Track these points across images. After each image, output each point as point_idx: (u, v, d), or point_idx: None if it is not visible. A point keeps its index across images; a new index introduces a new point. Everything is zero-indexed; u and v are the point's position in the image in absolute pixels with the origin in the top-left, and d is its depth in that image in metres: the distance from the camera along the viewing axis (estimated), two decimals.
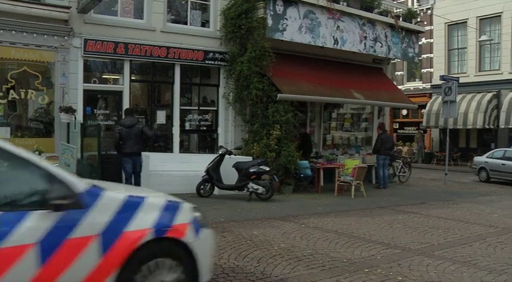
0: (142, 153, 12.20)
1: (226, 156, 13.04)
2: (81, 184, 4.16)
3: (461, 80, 23.09)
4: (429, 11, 32.13)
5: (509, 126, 26.59)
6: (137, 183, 11.65)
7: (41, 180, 3.99)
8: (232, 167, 12.84)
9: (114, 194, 4.48)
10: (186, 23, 14.98)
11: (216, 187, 12.93)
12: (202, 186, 12.80)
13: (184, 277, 4.59)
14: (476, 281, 6.29)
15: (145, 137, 12.01)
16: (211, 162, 12.85)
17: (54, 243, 3.87)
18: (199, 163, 13.22)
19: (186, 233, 4.62)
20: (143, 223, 4.34)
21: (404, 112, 34.14)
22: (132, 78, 14.05)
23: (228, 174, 12.88)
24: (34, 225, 3.82)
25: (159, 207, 4.63)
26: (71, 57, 12.70)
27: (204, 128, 15.41)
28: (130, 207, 4.36)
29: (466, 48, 30.39)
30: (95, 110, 13.57)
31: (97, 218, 4.10)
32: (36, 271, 3.79)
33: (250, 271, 6.23)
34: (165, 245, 4.52)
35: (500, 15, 28.53)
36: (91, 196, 4.14)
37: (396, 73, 33.81)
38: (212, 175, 12.78)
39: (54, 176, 4.02)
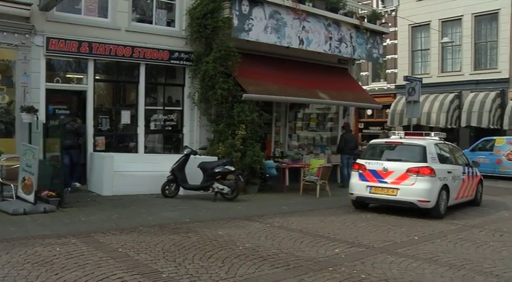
0: (106, 153, 12.61)
1: (192, 156, 12.99)
2: None
3: (424, 81, 23.54)
4: (393, 13, 32.59)
5: (470, 126, 27.23)
6: (75, 173, 12.78)
7: None
8: (198, 167, 12.80)
9: None
10: (151, 23, 14.85)
11: (181, 187, 12.86)
12: (167, 187, 12.72)
13: None
14: (437, 276, 6.44)
15: (75, 132, 12.62)
16: (176, 163, 12.79)
17: None
18: (164, 163, 13.13)
19: None
20: None
21: (369, 112, 34.53)
22: (97, 77, 13.86)
23: (193, 174, 12.84)
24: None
25: None
26: (32, 56, 12.45)
27: (169, 128, 15.32)
28: None
29: (429, 49, 30.95)
30: (57, 110, 13.36)
31: None
32: None
33: (215, 271, 6.23)
34: None
35: (461, 19, 29.17)
36: None
37: (361, 73, 34.23)
38: (177, 175, 12.71)
39: None
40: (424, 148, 11.37)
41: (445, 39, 28.02)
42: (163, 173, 12.79)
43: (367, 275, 6.35)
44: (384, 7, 33.45)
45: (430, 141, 11.94)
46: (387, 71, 33.41)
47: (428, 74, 30.26)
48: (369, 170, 11.56)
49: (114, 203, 11.38)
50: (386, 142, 12.57)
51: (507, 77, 27.45)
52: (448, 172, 11.61)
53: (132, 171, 13.08)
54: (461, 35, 29.18)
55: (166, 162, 13.09)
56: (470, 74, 28.71)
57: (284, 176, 15.26)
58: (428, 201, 10.86)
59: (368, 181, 11.50)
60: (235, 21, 14.01)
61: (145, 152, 14.54)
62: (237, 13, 14.02)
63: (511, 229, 10.12)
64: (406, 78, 20.60)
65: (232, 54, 14.22)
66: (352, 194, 11.97)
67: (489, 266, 7.09)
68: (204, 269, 6.31)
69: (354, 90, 18.92)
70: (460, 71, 29.39)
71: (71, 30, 12.96)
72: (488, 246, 8.44)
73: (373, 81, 34.69)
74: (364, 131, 35.41)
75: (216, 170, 12.57)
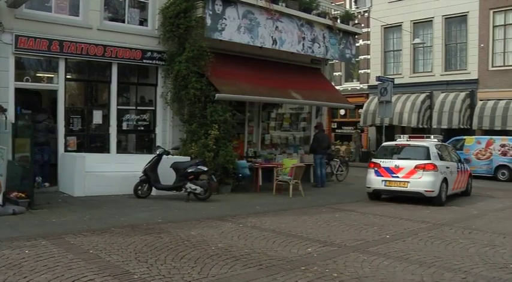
0: (78, 153, 12.65)
1: (164, 156, 12.92)
2: None
3: (396, 81, 23.83)
4: (366, 14, 32.91)
5: (441, 126, 27.65)
6: (45, 170, 13.01)
7: None
8: (170, 167, 12.74)
9: None
10: (123, 21, 14.70)
11: (153, 188, 12.80)
12: (139, 187, 12.63)
13: None
14: (408, 274, 6.52)
15: (50, 130, 13.17)
16: (148, 163, 12.71)
17: None
18: (136, 163, 13.03)
19: None
20: None
21: (342, 112, 34.81)
22: (68, 77, 13.67)
23: (166, 174, 12.78)
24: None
25: None
26: (0, 54, 12.21)
27: (142, 128, 15.21)
28: None
29: (401, 50, 31.35)
30: (26, 110, 13.18)
31: None
32: None
33: (187, 272, 6.21)
34: None
35: (432, 20, 29.62)
36: None
37: (334, 74, 34.47)
38: (150, 176, 12.64)
39: None
40: (427, 148, 13.88)
41: (417, 41, 28.41)
42: (135, 173, 12.71)
43: (339, 274, 6.40)
44: (357, 8, 33.77)
45: (432, 143, 14.50)
46: (360, 71, 33.73)
47: (400, 74, 30.65)
48: (383, 167, 13.91)
49: (86, 204, 11.26)
50: (396, 144, 14.98)
51: (476, 78, 27.97)
52: (447, 167, 14.12)
53: (104, 172, 12.94)
54: (432, 37, 29.66)
55: (139, 162, 13.00)
56: (441, 75, 29.20)
57: (257, 176, 15.29)
58: (433, 191, 13.33)
59: (383, 176, 13.85)
60: (208, 21, 13.97)
61: (117, 152, 14.39)
62: (210, 13, 13.99)
63: (480, 227, 10.32)
64: (378, 78, 20.83)
65: (205, 54, 14.20)
66: (369, 187, 14.24)
67: (458, 262, 7.22)
68: (177, 270, 6.28)
69: (327, 90, 19.05)
70: (431, 71, 29.86)
71: (41, 28, 12.74)
72: (458, 243, 8.58)
73: (346, 81, 34.97)
74: (337, 130, 35.68)
75: (189, 170, 12.53)
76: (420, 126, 28.59)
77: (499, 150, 22.58)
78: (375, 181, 13.98)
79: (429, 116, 28.87)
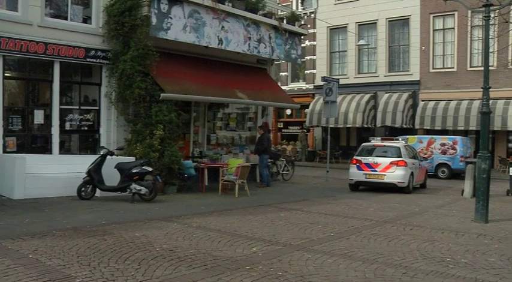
0: (18, 154, 12.23)
1: (108, 156, 12.70)
2: None
3: (341, 82, 24.25)
4: (312, 15, 33.35)
5: (385, 125, 28.31)
6: None
7: None
8: (115, 168, 12.53)
9: None
10: (66, 19, 14.34)
11: (97, 189, 12.56)
12: (83, 189, 12.38)
13: None
14: (351, 271, 6.64)
15: None
16: (92, 164, 12.46)
17: None
18: (80, 164, 12.76)
19: None
20: None
21: (288, 112, 35.13)
22: (7, 75, 13.22)
23: (111, 175, 12.57)
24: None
25: None
26: None
27: (86, 128, 14.89)
28: None
29: (346, 51, 31.95)
30: None
31: None
32: None
33: (131, 274, 6.12)
34: None
35: (376, 23, 30.32)
36: None
37: (281, 74, 34.74)
38: (94, 176, 12.40)
39: None
40: (399, 148, 16.86)
41: (361, 42, 29.01)
42: (79, 175, 12.45)
43: (284, 272, 6.44)
44: (304, 9, 34.18)
45: (402, 144, 17.54)
46: (306, 71, 34.13)
47: (345, 75, 31.23)
48: (364, 163, 16.75)
49: (27, 207, 10.94)
50: (374, 144, 17.64)
51: (418, 79, 28.83)
52: (413, 164, 17.01)
53: (46, 173, 12.64)
54: (377, 39, 30.37)
55: (83, 163, 12.72)
56: (385, 76, 29.95)
57: (203, 176, 15.23)
58: (404, 182, 16.28)
59: (364, 170, 16.73)
60: (154, 20, 13.82)
61: (60, 153, 14.04)
62: (156, 11, 13.84)
63: (420, 223, 10.64)
64: (323, 78, 21.12)
65: (150, 53, 14.07)
66: (352, 180, 17.09)
67: (399, 258, 7.42)
68: (120, 272, 6.18)
69: (273, 90, 19.17)
70: (375, 72, 30.57)
71: None
72: (399, 239, 8.81)
73: (292, 81, 35.33)
74: (283, 130, 36.00)
75: (134, 171, 12.37)
76: (365, 125, 29.21)
77: (439, 149, 23.38)
78: (357, 174, 16.82)
79: (373, 115, 29.55)
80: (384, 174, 16.31)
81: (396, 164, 16.25)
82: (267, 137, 17.56)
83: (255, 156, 17.84)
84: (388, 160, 16.45)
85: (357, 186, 17.20)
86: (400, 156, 16.48)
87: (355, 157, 17.28)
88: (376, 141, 18.03)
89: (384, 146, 17.38)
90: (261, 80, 18.82)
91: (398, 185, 16.26)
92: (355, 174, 16.90)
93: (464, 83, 26.94)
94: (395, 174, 16.21)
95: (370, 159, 16.73)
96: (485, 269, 6.93)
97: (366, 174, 16.67)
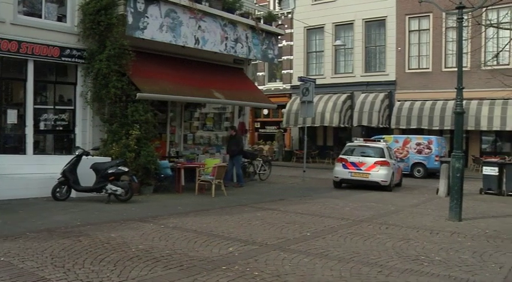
0: None
1: (84, 157, 12.58)
2: None
3: (318, 82, 24.38)
4: (290, 15, 33.44)
5: (362, 125, 28.53)
6: None
7: None
8: (90, 168, 12.41)
9: None
10: (40, 17, 14.13)
11: (73, 190, 12.44)
12: (58, 189, 12.24)
13: None
14: (327, 270, 6.70)
15: None
16: (67, 164, 12.32)
17: None
18: (55, 165, 12.60)
19: None
20: None
21: (265, 112, 35.18)
22: None
23: (86, 176, 12.43)
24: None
25: None
26: None
27: (61, 128, 14.68)
28: None
29: (323, 51, 32.12)
30: None
31: None
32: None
33: (106, 275, 6.07)
34: None
35: (352, 23, 30.54)
36: None
37: (258, 74, 34.78)
38: (69, 177, 12.26)
39: None
40: (383, 149, 17.81)
41: (338, 42, 29.18)
42: (53, 175, 12.32)
43: (260, 272, 6.46)
44: (281, 9, 34.27)
45: (384, 144, 18.53)
46: (283, 71, 34.23)
47: (322, 75, 31.39)
48: (349, 162, 17.50)
49: (0, 209, 10.76)
50: (358, 145, 18.40)
51: (394, 79, 29.11)
52: (393, 164, 17.87)
53: (20, 174, 12.46)
54: (353, 39, 30.60)
55: (57, 163, 12.56)
56: (362, 76, 30.18)
57: (179, 176, 15.16)
58: (386, 181, 17.11)
59: (349, 169, 17.45)
60: (130, 19, 13.73)
61: (34, 153, 13.83)
62: (132, 10, 13.75)
63: (396, 222, 10.76)
64: (300, 78, 21.19)
65: (126, 53, 13.95)
66: (337, 177, 17.83)
67: (375, 257, 7.50)
68: (95, 274, 6.13)
69: (250, 90, 19.19)
70: (352, 72, 30.80)
71: None
72: (375, 238, 8.91)
73: (269, 81, 35.40)
74: (260, 130, 36.04)
75: (109, 171, 12.27)
76: (342, 125, 29.40)
77: (414, 149, 23.65)
78: (343, 172, 17.56)
79: (350, 115, 29.76)
80: (369, 173, 17.04)
81: (380, 163, 17.08)
82: (241, 137, 17.64)
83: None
84: (372, 160, 17.23)
85: (340, 184, 17.92)
86: (384, 157, 17.35)
87: (340, 156, 18.05)
88: (360, 142, 18.85)
89: (368, 146, 18.22)
90: (238, 80, 18.82)
91: (382, 184, 17.07)
92: (340, 172, 17.60)
93: (439, 84, 27.27)
94: (379, 174, 17.01)
95: (355, 159, 17.47)
96: (458, 266, 7.06)
97: (351, 172, 17.36)
